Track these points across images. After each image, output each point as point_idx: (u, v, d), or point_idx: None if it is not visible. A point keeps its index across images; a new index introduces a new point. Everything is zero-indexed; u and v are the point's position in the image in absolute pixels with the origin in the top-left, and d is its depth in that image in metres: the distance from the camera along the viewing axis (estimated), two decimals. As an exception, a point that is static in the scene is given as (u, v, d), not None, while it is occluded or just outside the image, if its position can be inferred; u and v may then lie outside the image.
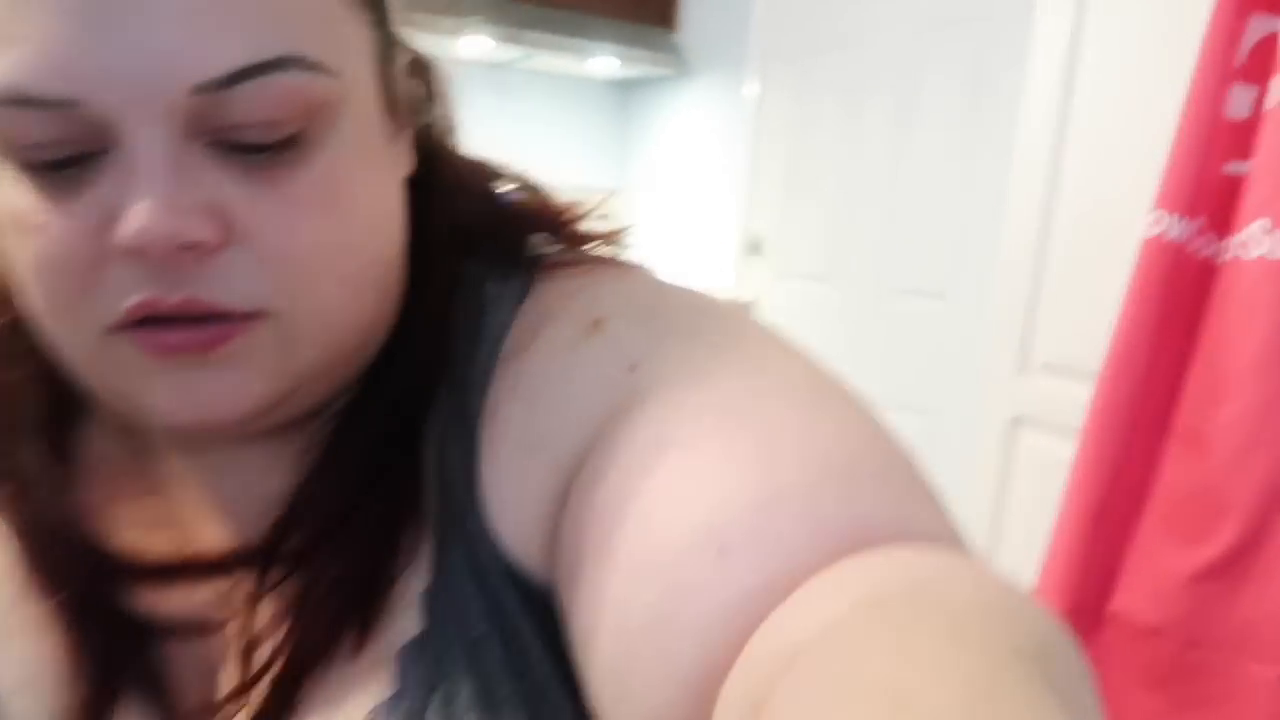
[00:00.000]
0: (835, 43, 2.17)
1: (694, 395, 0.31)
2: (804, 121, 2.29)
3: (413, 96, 0.39)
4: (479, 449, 0.36)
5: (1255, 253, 1.07)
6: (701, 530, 0.26)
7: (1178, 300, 1.17)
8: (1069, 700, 0.19)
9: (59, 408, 0.40)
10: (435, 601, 0.35)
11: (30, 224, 0.31)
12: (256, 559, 0.36)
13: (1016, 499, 1.61)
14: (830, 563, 0.25)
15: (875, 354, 2.07)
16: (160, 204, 0.29)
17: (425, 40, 0.41)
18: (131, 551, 0.38)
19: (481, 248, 0.42)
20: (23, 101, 0.28)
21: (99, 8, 0.28)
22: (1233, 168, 1.14)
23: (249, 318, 0.32)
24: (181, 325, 0.31)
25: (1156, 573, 1.16)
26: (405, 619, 0.35)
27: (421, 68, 0.41)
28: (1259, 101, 1.11)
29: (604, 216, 0.46)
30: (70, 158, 0.30)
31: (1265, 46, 1.10)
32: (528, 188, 0.45)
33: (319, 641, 0.35)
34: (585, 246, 0.44)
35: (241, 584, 0.37)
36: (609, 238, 0.45)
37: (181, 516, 0.40)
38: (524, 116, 2.78)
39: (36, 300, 0.32)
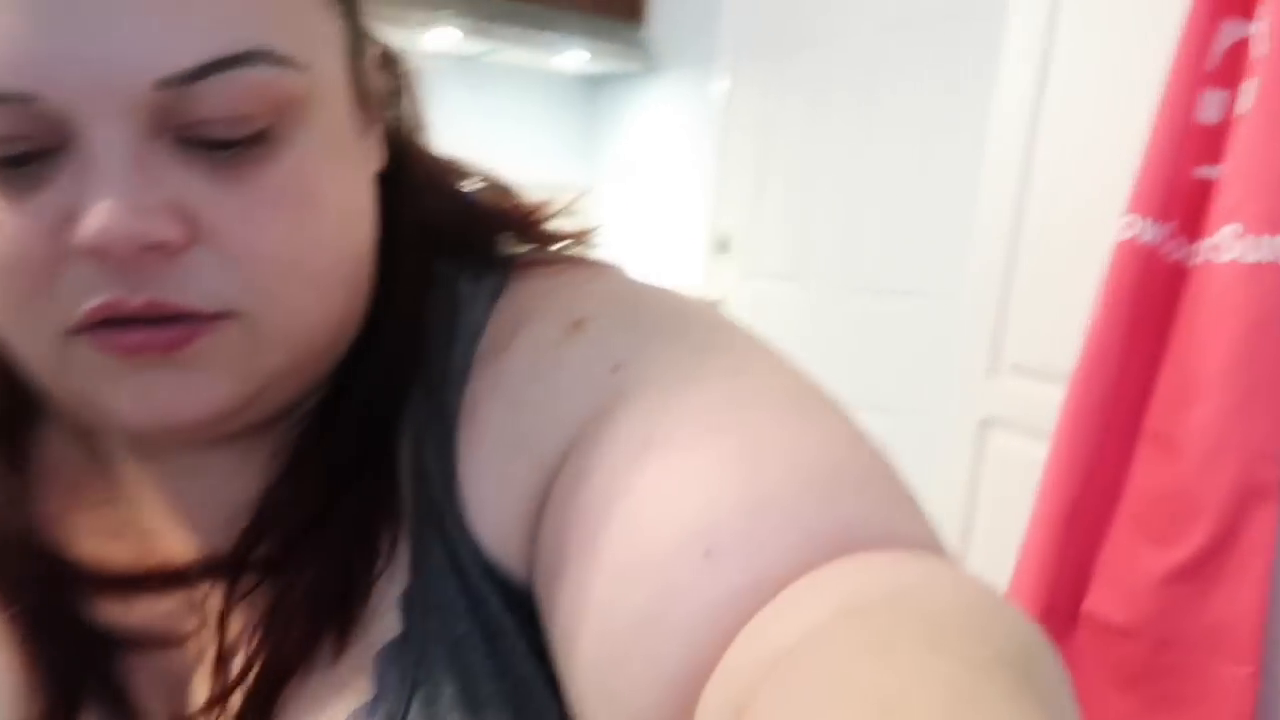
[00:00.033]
0: (805, 40, 2.17)
1: (679, 397, 0.31)
2: (773, 119, 2.28)
3: (383, 90, 0.39)
4: (457, 448, 0.35)
5: (1227, 257, 1.09)
6: (689, 532, 0.26)
7: (1149, 303, 1.19)
8: (1049, 705, 0.20)
9: (13, 410, 0.39)
10: (414, 602, 0.34)
11: None
12: (225, 568, 0.36)
13: (986, 500, 1.62)
14: (814, 567, 0.25)
15: (844, 354, 2.07)
16: (122, 204, 0.28)
17: (393, 33, 0.40)
18: (92, 561, 0.37)
19: (452, 247, 0.41)
20: None
21: None
22: (1204, 172, 1.15)
23: (215, 318, 0.31)
24: (143, 325, 0.30)
25: (1129, 574, 1.18)
26: (385, 621, 0.34)
27: (391, 61, 0.40)
28: (1230, 106, 1.13)
29: (572, 215, 0.46)
30: (28, 154, 0.28)
31: (1237, 51, 1.12)
32: (496, 187, 0.45)
33: (295, 650, 0.34)
34: (555, 246, 0.44)
35: (210, 594, 0.36)
36: (578, 237, 0.44)
37: (144, 524, 0.39)
38: (491, 111, 2.76)
39: None
